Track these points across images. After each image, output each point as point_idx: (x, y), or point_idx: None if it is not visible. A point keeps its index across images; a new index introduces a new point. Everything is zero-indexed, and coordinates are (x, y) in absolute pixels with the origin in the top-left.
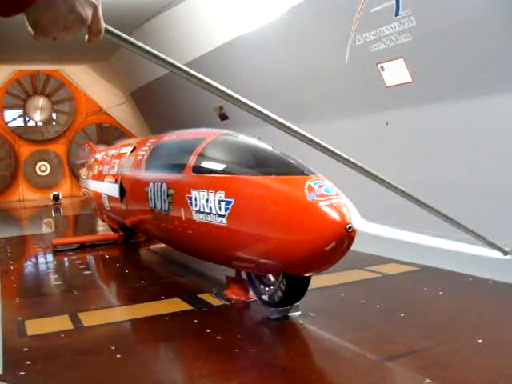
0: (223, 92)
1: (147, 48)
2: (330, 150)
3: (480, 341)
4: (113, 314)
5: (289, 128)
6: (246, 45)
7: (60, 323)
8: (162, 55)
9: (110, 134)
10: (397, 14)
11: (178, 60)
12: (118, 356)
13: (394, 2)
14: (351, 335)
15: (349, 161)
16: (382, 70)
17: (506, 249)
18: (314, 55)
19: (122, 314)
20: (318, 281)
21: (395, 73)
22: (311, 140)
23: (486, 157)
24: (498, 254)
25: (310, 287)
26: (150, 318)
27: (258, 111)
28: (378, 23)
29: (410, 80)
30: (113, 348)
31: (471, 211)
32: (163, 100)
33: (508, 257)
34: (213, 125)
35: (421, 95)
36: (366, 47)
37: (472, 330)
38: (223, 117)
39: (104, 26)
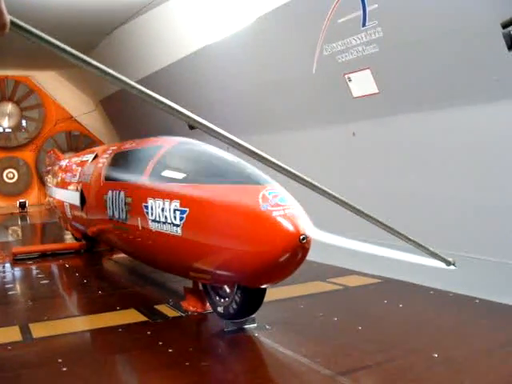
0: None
1: (57, 42)
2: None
3: (436, 355)
4: (65, 325)
5: (237, 143)
6: (214, 54)
7: (8, 335)
8: (75, 52)
9: (79, 141)
10: (364, 25)
11: (145, 69)
12: (64, 369)
13: (361, 12)
14: (306, 349)
15: (291, 173)
16: (349, 80)
17: (449, 259)
18: (281, 65)
19: (74, 325)
20: (277, 292)
21: (362, 84)
22: (257, 154)
23: (453, 168)
24: (441, 265)
25: (268, 299)
26: (103, 329)
27: (204, 125)
28: (346, 34)
29: (377, 91)
30: (60, 360)
31: (436, 222)
32: (133, 108)
33: (451, 267)
34: (183, 133)
35: (387, 106)
36: (334, 57)
37: (429, 343)
38: (192, 126)
39: (9, 18)
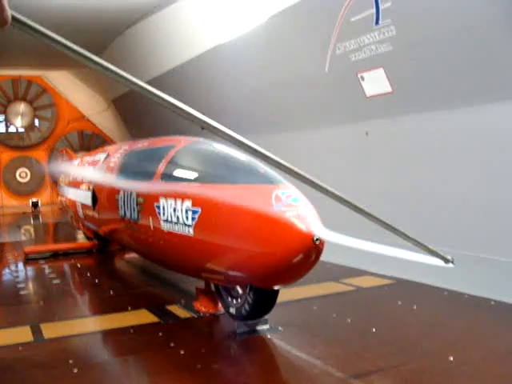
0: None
1: (60, 39)
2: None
3: (451, 358)
4: (76, 325)
5: (247, 145)
6: (226, 53)
7: (20, 335)
8: (78, 48)
9: (92, 141)
10: (377, 24)
11: (157, 69)
12: (75, 371)
13: (374, 11)
14: (319, 351)
15: (302, 176)
16: (362, 79)
17: (448, 257)
18: (293, 64)
19: (85, 325)
20: (289, 293)
21: (375, 83)
22: (267, 156)
23: (467, 168)
24: (439, 262)
25: (281, 300)
26: (115, 330)
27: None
28: (359, 32)
29: (390, 90)
30: (71, 362)
31: (450, 223)
32: (145, 107)
33: (450, 265)
34: (195, 133)
35: (401, 105)
36: (347, 56)
37: (444, 346)
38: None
39: (10, 13)
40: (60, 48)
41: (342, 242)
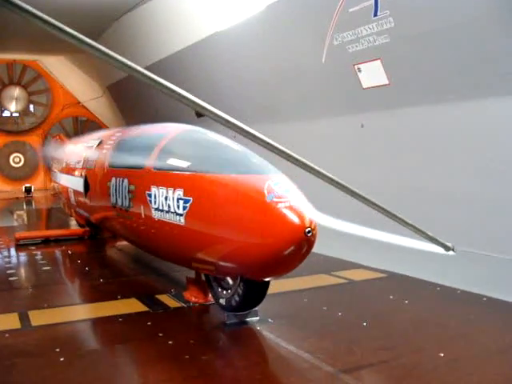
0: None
1: (52, 21)
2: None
3: (442, 354)
4: (65, 313)
5: (244, 130)
6: (223, 41)
7: (7, 322)
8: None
9: (86, 127)
10: (375, 15)
11: (154, 56)
12: (62, 359)
13: (373, 2)
14: (309, 344)
15: (298, 160)
16: (359, 71)
17: (449, 244)
18: (291, 53)
19: (74, 313)
20: (280, 285)
21: (372, 74)
22: (265, 142)
23: (462, 161)
24: (440, 250)
25: (271, 291)
26: (103, 318)
27: (208, 110)
28: (356, 23)
29: (387, 82)
30: (57, 350)
31: (445, 216)
32: (140, 94)
33: (450, 252)
34: (189, 121)
35: (397, 98)
36: (344, 47)
37: (435, 342)
38: (199, 114)
39: None
40: (52, 30)
41: (337, 228)
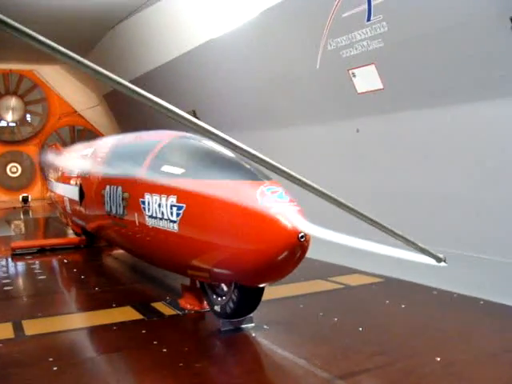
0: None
1: (36, 35)
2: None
3: (439, 359)
4: (59, 322)
5: (234, 145)
6: (218, 48)
7: (0, 332)
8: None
9: (83, 136)
10: (368, 20)
11: (149, 64)
12: (55, 368)
13: (366, 6)
14: (305, 350)
15: (289, 174)
16: (354, 76)
17: (440, 256)
18: (284, 59)
19: (68, 322)
20: (276, 291)
21: (367, 79)
22: (253, 155)
23: (457, 166)
24: (431, 261)
25: (266, 298)
26: (98, 327)
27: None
28: (350, 28)
29: (382, 87)
30: (50, 359)
31: (439, 221)
32: (136, 103)
33: (442, 264)
34: (185, 128)
35: (392, 102)
36: (338, 52)
37: (432, 346)
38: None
39: None
40: (40, 47)
41: (330, 238)
